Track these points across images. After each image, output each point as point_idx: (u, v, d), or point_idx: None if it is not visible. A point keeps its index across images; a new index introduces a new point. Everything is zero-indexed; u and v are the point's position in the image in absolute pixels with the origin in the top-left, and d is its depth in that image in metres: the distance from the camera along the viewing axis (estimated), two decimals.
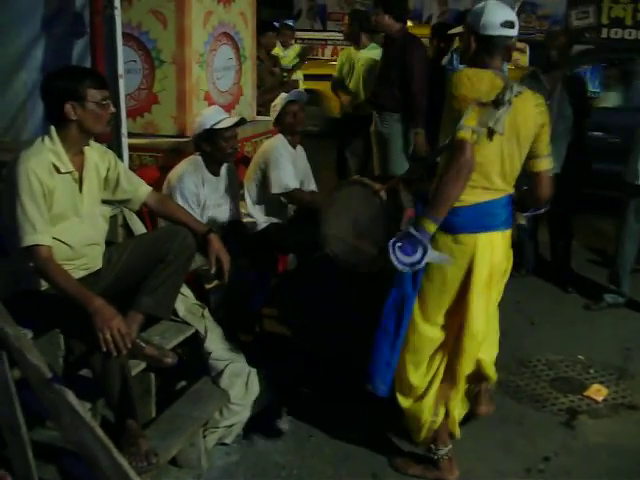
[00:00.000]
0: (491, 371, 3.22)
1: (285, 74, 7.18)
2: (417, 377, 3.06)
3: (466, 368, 3.02)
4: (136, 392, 2.85)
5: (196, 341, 3.31)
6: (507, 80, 2.79)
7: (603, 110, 6.59)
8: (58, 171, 2.73)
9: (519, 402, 3.83)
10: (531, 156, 2.91)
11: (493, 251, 2.89)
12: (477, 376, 3.19)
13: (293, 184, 4.17)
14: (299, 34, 11.01)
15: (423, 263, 2.71)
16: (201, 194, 3.84)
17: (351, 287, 3.60)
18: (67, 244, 2.79)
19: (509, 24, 2.82)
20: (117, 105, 3.32)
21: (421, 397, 3.07)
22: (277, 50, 7.70)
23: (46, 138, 2.74)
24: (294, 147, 4.38)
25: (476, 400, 3.41)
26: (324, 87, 7.68)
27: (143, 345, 2.78)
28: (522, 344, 4.37)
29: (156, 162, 4.25)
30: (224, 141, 3.82)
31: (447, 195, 2.70)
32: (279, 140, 4.32)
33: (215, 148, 3.83)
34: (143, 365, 2.95)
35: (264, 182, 4.24)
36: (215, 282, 3.66)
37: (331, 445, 3.40)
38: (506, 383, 3.93)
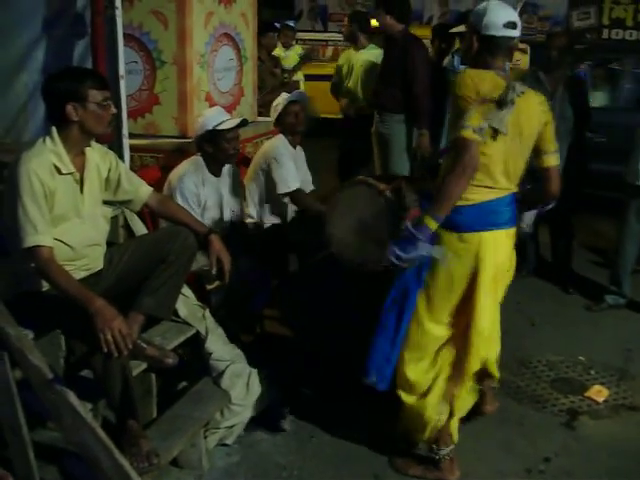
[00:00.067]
0: (494, 368, 3.23)
1: (286, 75, 7.19)
2: (416, 373, 3.06)
3: (474, 365, 3.04)
4: (137, 393, 2.85)
5: (197, 342, 3.31)
6: (509, 80, 2.80)
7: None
8: (59, 172, 2.73)
9: (520, 403, 3.83)
10: (538, 153, 2.96)
11: (497, 249, 2.92)
12: (482, 373, 3.20)
13: (295, 184, 4.18)
14: (300, 35, 11.00)
15: (414, 255, 2.73)
16: (201, 194, 3.84)
17: (351, 287, 3.61)
18: (68, 245, 2.79)
19: (512, 25, 2.84)
20: (118, 106, 3.33)
21: (425, 394, 3.08)
22: (278, 51, 7.71)
23: (47, 139, 2.74)
24: (294, 147, 4.39)
25: (481, 399, 3.44)
26: (308, 87, 7.68)
27: (144, 346, 2.79)
28: (523, 345, 4.38)
29: (157, 163, 4.25)
30: (226, 142, 3.83)
31: (450, 193, 2.72)
32: (280, 140, 4.33)
33: (217, 149, 3.83)
34: (144, 366, 2.95)
35: (266, 182, 4.24)
36: (216, 283, 3.66)
37: (332, 446, 3.40)
38: (507, 384, 3.93)
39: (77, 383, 2.71)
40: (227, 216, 4.02)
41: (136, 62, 4.32)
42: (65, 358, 2.87)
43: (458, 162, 2.71)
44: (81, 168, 2.83)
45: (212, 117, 3.87)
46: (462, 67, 5.56)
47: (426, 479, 3.17)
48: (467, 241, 2.88)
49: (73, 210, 2.80)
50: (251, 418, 3.42)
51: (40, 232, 2.63)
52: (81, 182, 2.83)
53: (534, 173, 3.05)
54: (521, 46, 8.05)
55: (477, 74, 2.82)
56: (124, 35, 3.55)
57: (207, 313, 3.38)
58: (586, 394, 3.91)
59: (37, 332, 2.75)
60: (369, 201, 3.17)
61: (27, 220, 2.62)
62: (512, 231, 3.00)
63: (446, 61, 5.99)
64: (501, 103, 2.73)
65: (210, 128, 3.81)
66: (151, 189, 3.12)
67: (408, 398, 3.11)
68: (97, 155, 2.93)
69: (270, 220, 4.31)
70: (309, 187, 4.54)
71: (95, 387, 2.76)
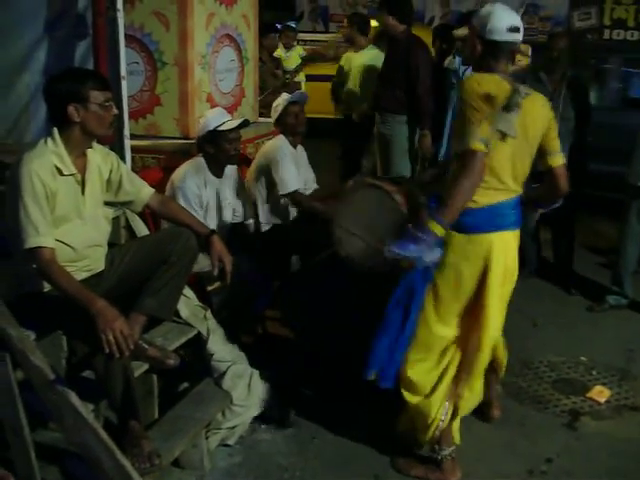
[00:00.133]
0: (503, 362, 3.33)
1: (287, 76, 7.21)
2: (418, 374, 3.07)
3: (482, 366, 3.08)
4: (139, 393, 2.85)
5: (199, 342, 3.31)
6: (514, 83, 2.83)
7: None
8: (61, 173, 2.73)
9: (521, 403, 3.83)
10: (544, 154, 2.99)
11: (506, 250, 2.96)
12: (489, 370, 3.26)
13: (294, 185, 4.18)
14: (301, 36, 11.00)
15: (410, 254, 2.73)
16: (203, 196, 3.84)
17: (351, 287, 3.61)
18: (70, 246, 2.79)
19: (515, 29, 2.86)
20: (120, 107, 3.32)
21: (430, 394, 3.09)
22: (279, 52, 7.72)
23: (49, 140, 2.75)
24: (295, 147, 4.38)
25: (488, 405, 3.50)
26: (309, 88, 7.70)
27: (146, 346, 2.78)
28: (524, 345, 4.37)
29: (158, 164, 4.25)
30: (227, 143, 3.83)
31: (456, 203, 2.75)
32: (281, 141, 4.33)
33: (218, 150, 3.84)
34: (146, 366, 2.95)
35: (267, 183, 4.24)
36: (216, 284, 3.66)
37: (334, 447, 3.40)
38: (508, 384, 3.93)
39: (79, 384, 2.71)
40: (229, 217, 4.02)
41: (137, 63, 4.32)
42: (67, 359, 2.87)
43: (466, 172, 2.73)
44: (82, 169, 2.84)
45: (213, 118, 3.87)
46: (463, 67, 5.59)
47: (428, 479, 3.17)
48: (476, 242, 2.91)
49: (74, 211, 2.80)
50: (252, 419, 3.42)
51: (41, 233, 2.63)
52: (82, 183, 2.83)
53: (540, 174, 3.07)
54: (523, 47, 8.05)
55: (483, 78, 2.85)
56: (125, 36, 3.55)
57: (209, 314, 3.38)
58: (588, 395, 3.91)
59: (39, 333, 2.76)
60: (379, 204, 3.15)
61: (29, 221, 2.62)
62: (518, 233, 3.03)
63: (447, 62, 5.99)
64: (508, 107, 2.75)
65: (211, 129, 3.81)
66: (152, 190, 3.12)
67: (412, 398, 3.11)
68: (98, 156, 2.93)
69: (271, 221, 4.31)
70: (313, 186, 4.53)
71: (97, 388, 2.76)
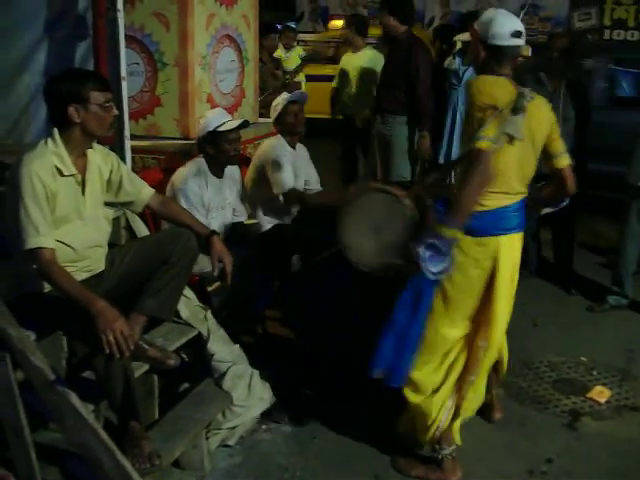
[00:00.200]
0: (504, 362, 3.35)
1: (287, 76, 7.21)
2: (421, 374, 3.07)
3: (488, 367, 3.11)
4: (139, 394, 2.85)
5: (199, 343, 3.31)
6: (518, 86, 2.86)
7: None
8: (61, 174, 2.74)
9: (522, 404, 3.83)
10: (550, 156, 3.02)
11: (513, 251, 2.99)
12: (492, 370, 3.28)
13: (288, 185, 4.16)
14: (301, 36, 11.01)
15: (443, 268, 2.75)
16: (205, 196, 3.84)
17: (351, 287, 3.61)
18: (70, 246, 2.79)
19: (518, 34, 2.89)
20: (120, 107, 3.33)
21: (432, 394, 3.09)
22: (279, 52, 7.72)
23: (49, 141, 2.75)
24: (293, 147, 4.37)
25: (490, 407, 3.52)
26: (309, 88, 7.72)
27: (146, 347, 2.79)
28: (525, 345, 4.37)
29: (159, 164, 4.25)
30: (227, 143, 3.83)
31: (467, 205, 2.77)
32: (277, 140, 4.32)
33: (218, 150, 3.84)
34: (146, 367, 2.95)
35: (264, 183, 4.23)
36: (216, 284, 3.66)
37: (334, 447, 3.40)
38: (509, 385, 3.93)
39: (79, 384, 2.71)
40: (229, 217, 4.02)
41: (138, 64, 4.32)
42: (67, 359, 2.87)
43: (473, 173, 2.75)
44: (83, 170, 2.84)
45: (213, 118, 3.87)
46: (463, 68, 5.59)
47: (428, 479, 3.18)
48: (485, 245, 2.93)
49: (75, 212, 2.80)
50: (253, 419, 3.42)
51: (42, 234, 2.63)
52: (83, 184, 2.83)
53: (542, 174, 3.09)
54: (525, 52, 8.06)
55: (488, 80, 2.88)
56: (126, 37, 3.55)
57: (209, 314, 3.38)
58: (588, 395, 3.91)
59: (39, 333, 2.76)
60: (388, 209, 3.12)
61: (29, 222, 2.62)
62: (522, 234, 3.05)
63: (447, 62, 5.99)
64: (515, 110, 2.78)
65: (211, 129, 3.81)
66: (153, 190, 3.12)
67: (414, 397, 3.11)
68: (99, 157, 2.93)
69: (271, 221, 4.31)
70: (316, 187, 4.53)
71: (97, 388, 2.76)
